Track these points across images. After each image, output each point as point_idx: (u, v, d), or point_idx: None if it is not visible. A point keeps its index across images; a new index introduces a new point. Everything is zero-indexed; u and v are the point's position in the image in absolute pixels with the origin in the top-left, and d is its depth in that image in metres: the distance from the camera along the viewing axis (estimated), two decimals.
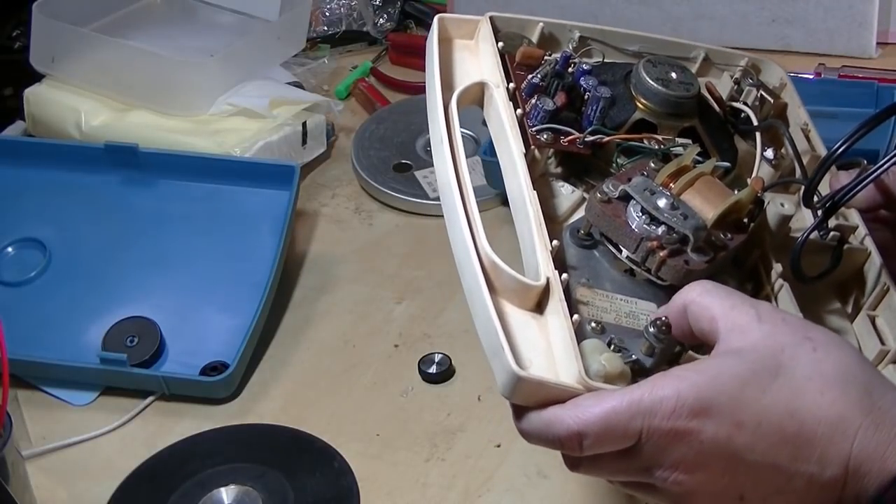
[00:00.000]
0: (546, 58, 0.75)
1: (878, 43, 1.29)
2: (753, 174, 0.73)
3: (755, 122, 0.76)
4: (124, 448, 0.85)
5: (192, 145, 1.08)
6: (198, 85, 1.12)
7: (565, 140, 0.70)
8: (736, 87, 0.79)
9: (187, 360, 0.91)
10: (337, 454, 0.81)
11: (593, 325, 0.61)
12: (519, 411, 0.57)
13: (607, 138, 0.70)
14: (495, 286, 0.61)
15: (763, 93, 0.79)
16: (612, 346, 0.60)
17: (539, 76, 0.72)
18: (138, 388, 0.89)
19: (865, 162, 0.69)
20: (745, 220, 0.66)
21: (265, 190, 1.02)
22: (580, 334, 0.59)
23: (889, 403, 0.52)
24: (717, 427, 0.53)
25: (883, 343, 0.66)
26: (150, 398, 0.89)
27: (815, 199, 0.67)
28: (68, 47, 1.15)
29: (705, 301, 0.57)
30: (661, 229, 0.63)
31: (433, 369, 0.89)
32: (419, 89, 1.31)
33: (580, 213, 0.69)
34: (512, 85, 0.72)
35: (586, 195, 0.70)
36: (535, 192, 0.65)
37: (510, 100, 0.72)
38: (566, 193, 0.71)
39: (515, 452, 0.81)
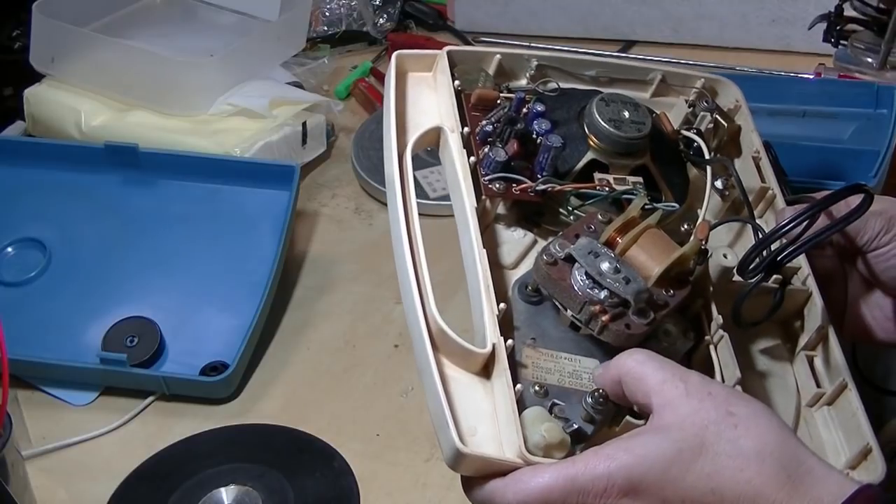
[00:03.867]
0: (502, 95, 0.76)
1: None
2: (703, 209, 0.75)
3: (706, 156, 0.77)
4: (124, 448, 0.85)
5: (192, 145, 1.08)
6: (198, 85, 1.12)
7: (517, 189, 0.72)
8: (691, 111, 0.80)
9: (187, 360, 0.91)
10: (337, 454, 0.81)
11: (536, 388, 0.63)
12: (466, 480, 0.61)
13: (558, 188, 0.72)
14: (444, 350, 0.63)
15: (718, 116, 0.79)
16: (554, 413, 0.62)
17: (492, 122, 0.73)
18: (138, 388, 0.89)
19: (815, 196, 0.70)
20: (691, 265, 0.68)
21: (265, 190, 1.02)
22: (524, 399, 0.62)
23: (803, 474, 0.56)
24: None
25: (819, 385, 0.68)
26: (150, 398, 0.89)
27: (757, 261, 0.68)
28: (68, 47, 1.15)
29: (639, 373, 0.60)
30: (603, 293, 0.64)
31: None
32: None
33: (531, 257, 0.71)
34: (466, 130, 0.73)
35: (538, 239, 0.72)
36: (484, 250, 0.66)
37: (464, 146, 0.73)
38: (518, 238, 0.72)
39: None
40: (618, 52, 1.37)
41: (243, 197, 1.02)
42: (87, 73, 1.15)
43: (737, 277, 0.69)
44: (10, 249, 0.99)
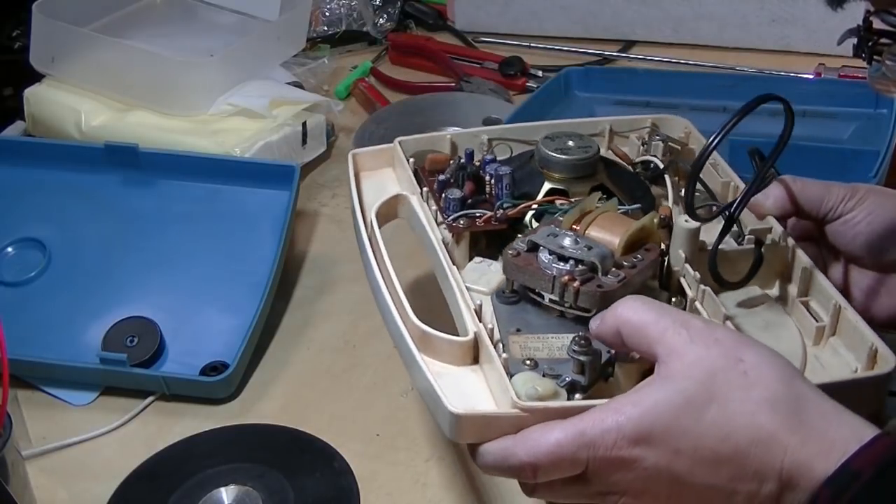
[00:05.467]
0: (453, 161, 0.82)
1: None
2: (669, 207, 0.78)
3: (661, 166, 0.82)
4: (124, 448, 0.85)
5: (192, 145, 1.08)
6: (198, 85, 1.12)
7: (481, 221, 0.77)
8: (644, 147, 0.86)
9: (187, 360, 0.91)
10: (337, 454, 0.81)
11: (527, 362, 0.64)
12: (474, 449, 0.61)
13: (517, 207, 0.76)
14: (430, 350, 0.65)
15: (671, 143, 0.85)
16: (545, 374, 0.63)
17: (448, 174, 0.79)
18: (138, 388, 0.89)
19: (777, 171, 0.74)
20: (661, 245, 0.71)
21: (265, 190, 1.01)
22: (515, 372, 0.63)
23: (816, 418, 0.56)
24: (657, 455, 0.56)
25: (818, 320, 0.70)
26: (150, 398, 0.89)
27: (712, 209, 0.72)
28: (68, 47, 1.15)
29: (638, 323, 0.59)
30: (569, 264, 0.67)
31: None
32: (419, 89, 1.31)
33: None
34: (425, 189, 0.79)
35: None
36: (455, 266, 0.72)
37: (425, 202, 0.78)
38: (495, 270, 0.75)
39: None
40: (618, 52, 1.37)
41: (243, 197, 1.02)
42: (87, 73, 1.15)
43: (709, 247, 0.72)
44: (10, 249, 0.99)
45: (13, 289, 0.97)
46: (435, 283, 0.75)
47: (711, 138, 0.68)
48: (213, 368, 0.89)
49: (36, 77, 1.17)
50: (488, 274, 0.75)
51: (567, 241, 0.68)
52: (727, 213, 0.71)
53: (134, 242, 0.99)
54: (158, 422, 0.87)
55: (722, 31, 1.35)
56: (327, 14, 1.39)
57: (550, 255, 0.67)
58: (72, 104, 1.14)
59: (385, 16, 1.42)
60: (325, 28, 1.39)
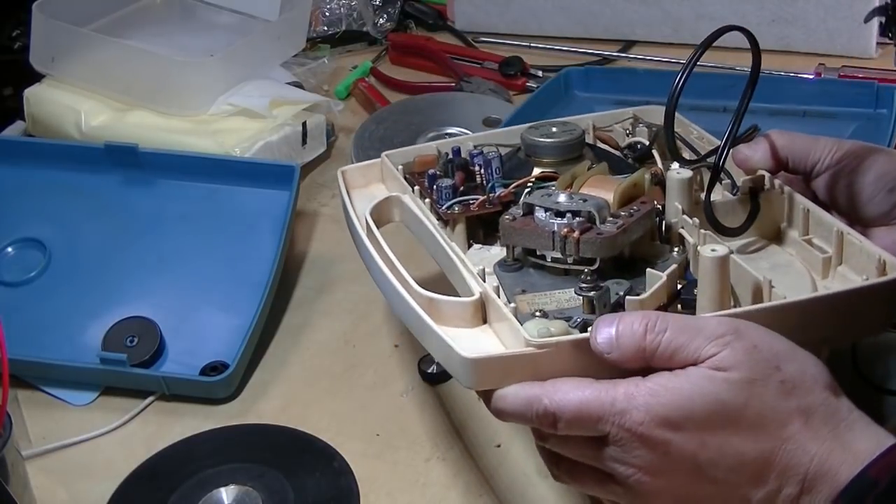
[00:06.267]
0: (440, 159, 0.83)
1: (877, 43, 1.29)
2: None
3: (647, 143, 0.84)
4: (124, 448, 0.85)
5: (192, 145, 1.08)
6: (198, 85, 1.12)
7: (475, 205, 0.78)
8: (630, 135, 0.87)
9: (187, 360, 0.91)
10: (337, 454, 0.81)
11: (537, 313, 0.65)
12: (489, 397, 0.61)
13: (510, 187, 0.78)
14: (441, 318, 0.66)
15: (655, 128, 0.86)
16: (555, 319, 0.64)
17: (437, 168, 0.81)
18: (138, 388, 0.89)
19: (758, 127, 0.78)
20: (655, 202, 0.72)
21: (265, 190, 1.02)
22: (525, 322, 0.64)
23: (845, 430, 0.56)
24: (683, 441, 0.57)
25: (823, 253, 0.71)
26: (150, 398, 0.89)
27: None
28: (68, 47, 1.15)
29: (668, 350, 0.58)
30: (567, 218, 0.68)
31: (433, 369, 0.89)
32: (419, 89, 1.31)
33: None
34: (416, 188, 0.80)
35: None
36: (453, 243, 0.73)
37: (418, 197, 0.80)
38: (495, 253, 0.76)
39: (515, 452, 0.81)
40: (618, 52, 1.37)
41: (243, 197, 1.02)
42: (87, 73, 1.15)
43: (703, 200, 0.73)
44: (10, 249, 0.99)
45: (13, 289, 0.97)
46: (437, 281, 0.74)
47: (679, 74, 0.70)
48: (213, 368, 0.89)
49: (36, 77, 1.17)
50: (489, 257, 0.75)
51: (562, 198, 0.69)
52: (713, 162, 0.73)
53: (134, 242, 0.99)
54: (158, 422, 0.87)
55: None
56: (327, 14, 1.39)
57: (546, 212, 0.69)
58: (72, 104, 1.14)
59: (385, 16, 1.42)
60: (325, 28, 1.39)
